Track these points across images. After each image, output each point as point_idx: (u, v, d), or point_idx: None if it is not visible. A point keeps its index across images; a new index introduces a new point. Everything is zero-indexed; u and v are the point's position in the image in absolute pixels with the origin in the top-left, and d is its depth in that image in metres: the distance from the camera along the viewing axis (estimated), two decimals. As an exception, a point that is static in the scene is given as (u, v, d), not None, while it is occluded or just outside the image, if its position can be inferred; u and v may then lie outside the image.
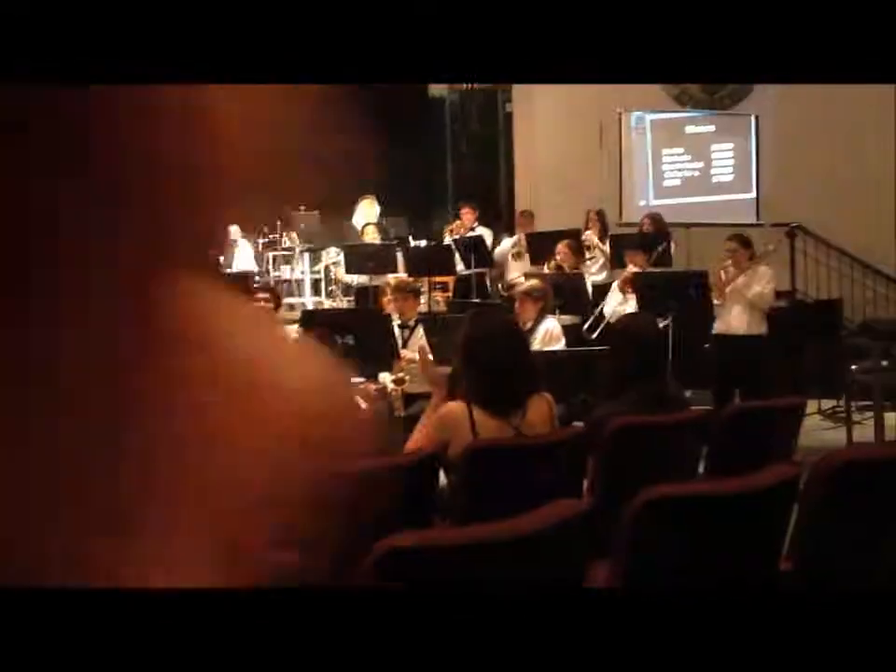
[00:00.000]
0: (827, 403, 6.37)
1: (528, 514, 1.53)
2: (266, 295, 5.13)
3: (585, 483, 2.57)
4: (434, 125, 11.93)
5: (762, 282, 5.22)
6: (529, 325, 4.72)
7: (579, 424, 3.12)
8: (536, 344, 4.60)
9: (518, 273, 6.69)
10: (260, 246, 9.78)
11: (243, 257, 9.36)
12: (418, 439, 2.58)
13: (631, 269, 5.42)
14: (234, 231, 9.77)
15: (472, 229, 7.81)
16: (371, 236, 7.45)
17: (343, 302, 8.26)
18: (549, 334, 4.71)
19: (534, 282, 4.96)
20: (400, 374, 4.57)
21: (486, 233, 7.72)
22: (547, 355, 4.31)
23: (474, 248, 6.94)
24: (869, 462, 1.89)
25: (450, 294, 8.01)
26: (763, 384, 5.36)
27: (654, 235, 6.36)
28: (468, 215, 7.92)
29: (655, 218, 6.96)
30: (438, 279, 7.71)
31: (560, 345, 4.69)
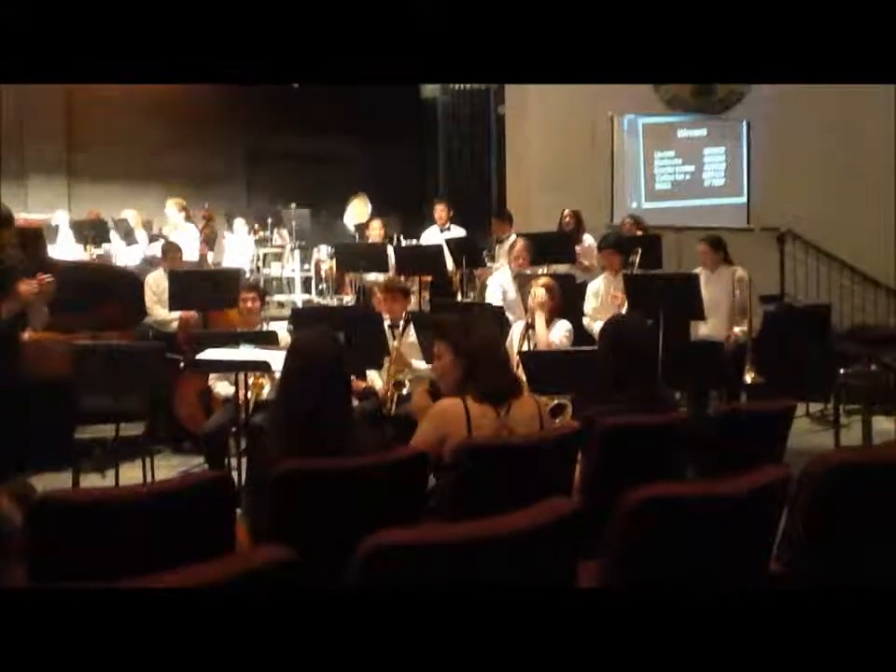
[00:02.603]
0: (815, 407, 6.40)
1: (519, 512, 1.52)
2: (252, 294, 5.11)
3: (575, 483, 2.56)
4: (427, 126, 11.94)
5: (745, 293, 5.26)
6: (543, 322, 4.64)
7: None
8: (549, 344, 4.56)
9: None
10: (253, 243, 9.75)
11: (237, 251, 9.31)
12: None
13: (613, 290, 5.34)
14: (238, 223, 9.70)
15: (448, 228, 7.69)
16: (377, 232, 7.39)
17: (334, 300, 8.23)
18: (570, 334, 4.69)
19: (549, 279, 4.88)
20: (400, 377, 4.55)
21: (460, 233, 7.63)
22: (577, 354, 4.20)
23: (465, 248, 6.91)
24: (858, 465, 1.89)
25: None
26: (744, 386, 5.33)
27: (632, 238, 6.34)
28: (441, 212, 7.70)
29: (638, 220, 7.00)
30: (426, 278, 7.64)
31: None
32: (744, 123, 8.41)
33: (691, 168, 8.55)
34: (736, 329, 5.20)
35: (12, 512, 1.89)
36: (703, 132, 8.58)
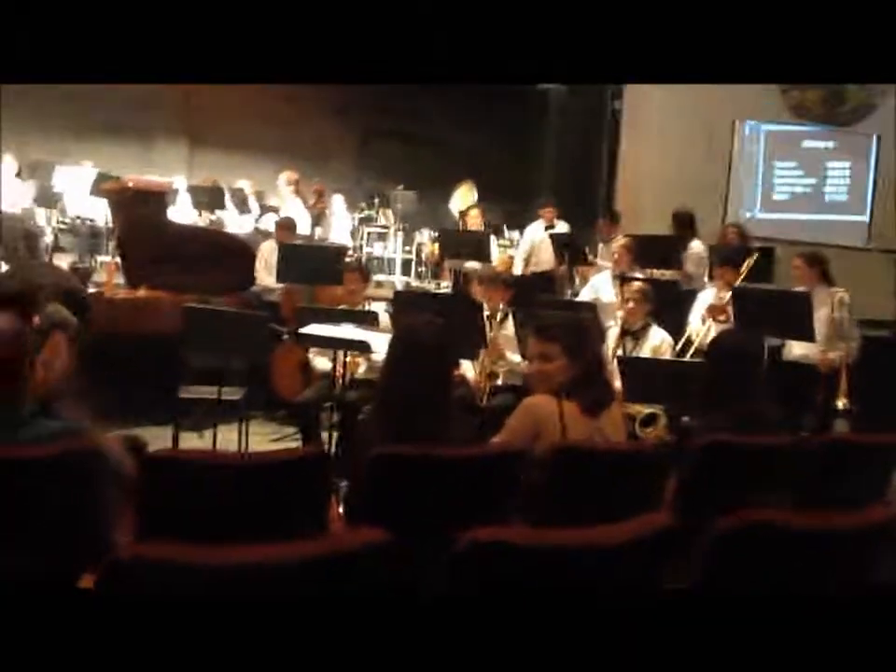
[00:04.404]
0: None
1: (614, 524, 1.51)
2: (356, 275, 5.19)
3: (666, 498, 2.53)
4: (539, 117, 11.84)
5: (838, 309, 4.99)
6: (636, 328, 4.59)
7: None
8: (646, 352, 4.48)
9: None
10: (357, 221, 9.90)
11: (340, 228, 9.49)
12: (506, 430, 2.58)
13: (720, 294, 5.21)
14: (337, 200, 9.87)
15: (553, 225, 7.62)
16: (475, 219, 7.41)
17: (432, 285, 8.31)
18: (665, 344, 4.59)
19: (642, 284, 4.78)
20: (494, 368, 4.57)
21: (564, 228, 7.55)
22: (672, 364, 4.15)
23: (568, 244, 6.85)
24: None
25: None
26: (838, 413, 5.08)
27: (740, 248, 6.10)
28: (549, 213, 7.61)
29: (741, 229, 6.68)
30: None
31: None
32: (873, 137, 8.03)
33: (812, 181, 8.22)
34: (832, 354, 4.92)
35: (126, 460, 1.99)
36: (828, 143, 8.23)
